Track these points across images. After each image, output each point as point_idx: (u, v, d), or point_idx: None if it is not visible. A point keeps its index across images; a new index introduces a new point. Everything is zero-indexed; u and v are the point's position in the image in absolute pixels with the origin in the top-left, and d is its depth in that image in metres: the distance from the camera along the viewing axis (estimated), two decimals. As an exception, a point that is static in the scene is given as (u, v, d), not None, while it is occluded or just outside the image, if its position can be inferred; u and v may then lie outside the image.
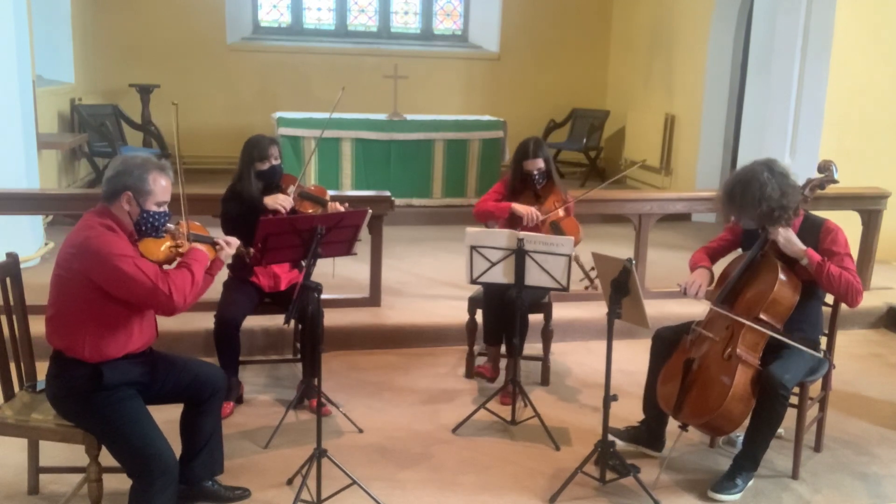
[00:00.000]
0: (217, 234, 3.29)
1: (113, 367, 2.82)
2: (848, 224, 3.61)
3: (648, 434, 3.67)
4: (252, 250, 3.41)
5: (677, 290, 3.57)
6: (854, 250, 4.25)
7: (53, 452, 3.33)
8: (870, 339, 5.42)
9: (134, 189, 2.83)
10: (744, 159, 6.99)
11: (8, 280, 3.06)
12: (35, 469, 3.20)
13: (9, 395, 3.06)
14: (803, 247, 3.33)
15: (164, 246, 2.95)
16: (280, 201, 4.01)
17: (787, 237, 3.34)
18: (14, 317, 3.09)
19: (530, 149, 4.39)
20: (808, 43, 6.41)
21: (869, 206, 5.62)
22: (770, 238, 3.37)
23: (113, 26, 9.30)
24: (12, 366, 3.09)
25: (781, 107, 6.55)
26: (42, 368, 2.99)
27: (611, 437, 3.58)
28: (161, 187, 2.88)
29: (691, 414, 3.32)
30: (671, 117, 8.88)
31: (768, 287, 3.31)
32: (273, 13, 10.35)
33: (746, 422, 3.34)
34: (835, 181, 3.54)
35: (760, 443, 3.35)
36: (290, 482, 3.34)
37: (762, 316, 3.31)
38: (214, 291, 4.18)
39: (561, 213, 4.40)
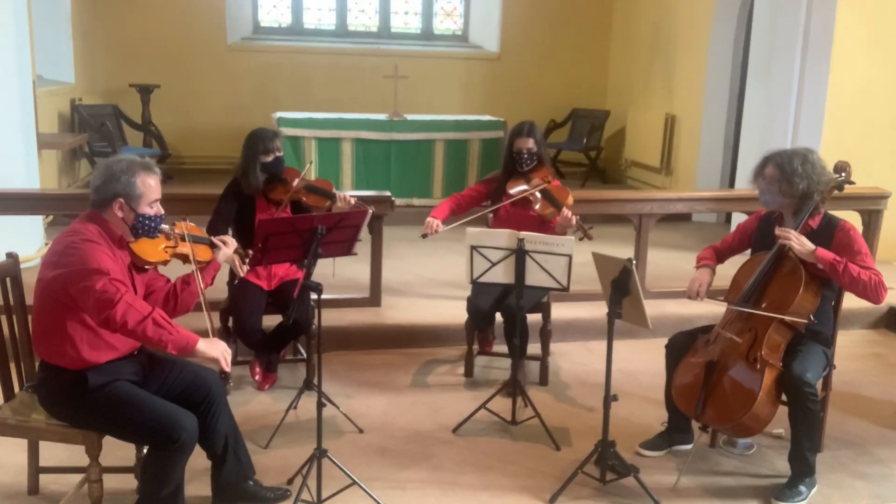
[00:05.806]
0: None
1: (98, 371, 2.82)
2: (848, 224, 3.62)
3: (679, 431, 3.69)
4: (251, 252, 3.37)
5: (677, 291, 3.58)
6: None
7: (53, 452, 3.32)
8: (870, 339, 5.42)
9: (125, 195, 2.82)
10: (744, 159, 6.99)
11: (8, 280, 3.06)
12: (35, 469, 3.20)
13: (9, 396, 3.06)
14: (812, 247, 3.29)
15: (158, 247, 2.94)
16: None
17: (800, 242, 3.29)
18: (14, 317, 3.09)
19: (524, 129, 4.43)
20: (808, 43, 6.40)
21: (869, 206, 5.61)
22: (784, 245, 3.32)
23: (113, 26, 9.30)
24: (12, 366, 3.08)
25: (782, 107, 6.55)
26: (42, 368, 2.99)
27: (645, 452, 3.65)
28: (150, 187, 2.86)
29: (718, 418, 3.31)
30: (671, 117, 8.88)
31: (793, 289, 3.29)
32: (273, 13, 10.35)
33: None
34: (851, 182, 3.54)
35: (808, 446, 3.32)
36: (290, 482, 3.33)
37: (786, 318, 3.29)
38: (219, 291, 4.19)
39: (545, 180, 4.34)
